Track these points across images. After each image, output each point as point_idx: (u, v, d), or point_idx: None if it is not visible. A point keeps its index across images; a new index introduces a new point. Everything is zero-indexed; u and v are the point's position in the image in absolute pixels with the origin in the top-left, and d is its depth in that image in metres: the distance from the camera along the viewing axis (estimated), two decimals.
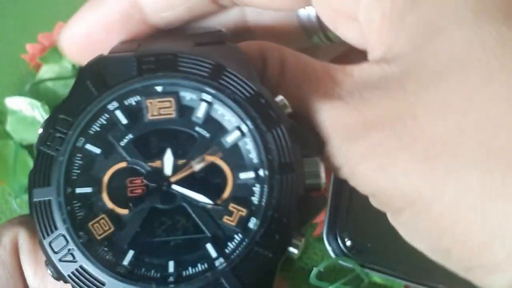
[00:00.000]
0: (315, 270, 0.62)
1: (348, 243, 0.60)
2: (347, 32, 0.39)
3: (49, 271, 0.36)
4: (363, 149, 0.34)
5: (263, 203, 0.36)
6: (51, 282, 0.39)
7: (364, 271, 0.62)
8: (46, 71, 0.71)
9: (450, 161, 0.32)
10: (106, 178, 0.37)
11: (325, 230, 0.62)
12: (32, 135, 0.69)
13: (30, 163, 0.69)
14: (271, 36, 0.42)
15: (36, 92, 0.70)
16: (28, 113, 0.69)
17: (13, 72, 0.74)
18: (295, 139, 0.36)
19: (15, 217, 0.40)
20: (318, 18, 0.41)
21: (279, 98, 0.37)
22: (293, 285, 0.64)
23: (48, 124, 0.37)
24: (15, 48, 0.75)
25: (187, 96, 0.38)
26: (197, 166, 0.37)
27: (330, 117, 0.36)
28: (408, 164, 0.33)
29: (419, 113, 0.33)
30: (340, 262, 0.61)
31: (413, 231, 0.36)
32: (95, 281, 0.35)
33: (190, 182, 0.37)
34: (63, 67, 0.72)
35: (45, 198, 0.36)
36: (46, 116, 0.68)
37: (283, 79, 0.38)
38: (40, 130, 0.38)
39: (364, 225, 0.60)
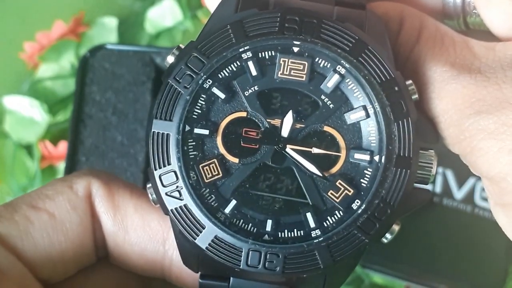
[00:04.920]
0: None
1: None
2: (496, 11, 0.38)
3: (150, 197, 0.37)
4: (493, 126, 0.34)
5: (372, 190, 0.36)
6: (131, 225, 0.39)
7: (364, 272, 0.61)
8: (45, 70, 0.71)
9: None
10: (223, 124, 0.38)
11: None
12: (31, 135, 0.68)
13: (29, 163, 0.69)
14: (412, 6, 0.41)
15: (35, 91, 0.70)
16: (27, 112, 0.68)
17: (11, 71, 0.74)
18: (417, 132, 0.37)
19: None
20: (463, 3, 0.41)
21: (409, 82, 0.37)
22: None
23: (181, 58, 0.38)
24: (13, 47, 0.74)
25: (322, 63, 0.38)
26: (316, 150, 0.38)
27: (462, 88, 0.35)
28: None
29: None
30: None
31: None
32: (196, 222, 0.37)
33: (304, 146, 0.38)
34: (62, 66, 0.71)
35: (165, 132, 0.37)
36: (45, 116, 0.68)
37: (418, 46, 0.37)
38: (171, 59, 0.38)
39: None
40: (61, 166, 0.68)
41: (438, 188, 0.61)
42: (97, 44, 0.67)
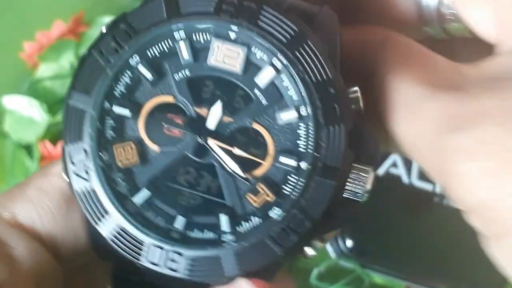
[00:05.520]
0: (315, 271, 0.61)
1: (349, 243, 0.60)
2: (477, 16, 0.33)
3: (63, 175, 0.34)
4: (470, 143, 0.28)
5: (292, 198, 0.33)
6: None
7: (364, 272, 0.61)
8: (45, 69, 0.71)
9: None
10: (148, 106, 0.35)
11: None
12: (30, 135, 0.68)
13: (28, 163, 0.69)
14: (384, 17, 0.38)
15: (34, 91, 0.70)
16: (26, 112, 0.68)
17: (10, 71, 0.74)
18: (352, 142, 0.33)
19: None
20: (438, 8, 0.37)
21: (354, 89, 0.34)
22: None
23: (109, 29, 0.35)
24: (13, 46, 0.74)
25: (258, 54, 0.35)
26: (238, 151, 0.35)
27: (438, 107, 0.30)
28: None
29: None
30: (341, 262, 0.61)
31: None
32: (100, 207, 0.34)
33: (228, 143, 0.35)
34: (61, 66, 0.71)
35: (81, 105, 0.34)
36: (44, 116, 0.68)
37: (387, 62, 0.34)
38: (104, 29, 0.35)
39: (365, 226, 0.60)
40: None
41: (438, 188, 0.61)
42: None
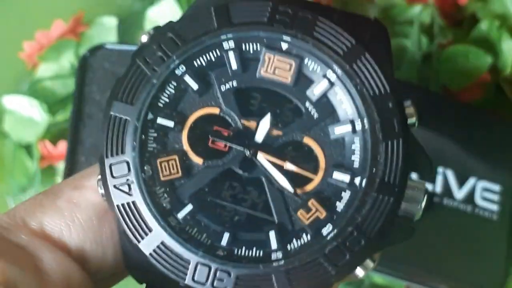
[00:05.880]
0: None
1: None
2: None
3: (99, 189, 0.33)
4: None
5: (347, 215, 0.32)
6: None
7: None
8: (45, 69, 0.71)
9: None
10: (192, 117, 0.34)
11: None
12: (30, 135, 0.68)
13: (28, 163, 0.69)
14: None
15: (34, 91, 0.70)
16: (26, 112, 0.68)
17: (10, 71, 0.74)
18: (408, 158, 0.32)
19: None
20: None
21: (408, 102, 0.33)
22: None
23: (155, 38, 0.34)
24: (13, 46, 0.74)
25: (311, 66, 0.34)
26: (289, 166, 0.33)
27: None
28: None
29: None
30: None
31: None
32: (143, 224, 0.32)
33: (278, 158, 0.34)
34: (61, 65, 0.71)
35: (124, 116, 0.33)
36: (44, 116, 0.68)
37: None
38: (145, 38, 0.34)
39: None
40: (60, 166, 0.67)
41: (438, 188, 0.61)
42: (96, 44, 0.67)
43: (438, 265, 0.60)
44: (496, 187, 0.61)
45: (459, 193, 0.61)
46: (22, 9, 0.77)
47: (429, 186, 0.60)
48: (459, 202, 0.61)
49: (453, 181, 0.61)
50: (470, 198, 0.61)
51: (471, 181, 0.61)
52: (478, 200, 0.61)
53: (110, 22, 0.73)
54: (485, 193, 0.61)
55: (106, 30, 0.73)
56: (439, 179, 0.61)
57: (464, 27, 0.67)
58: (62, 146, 0.67)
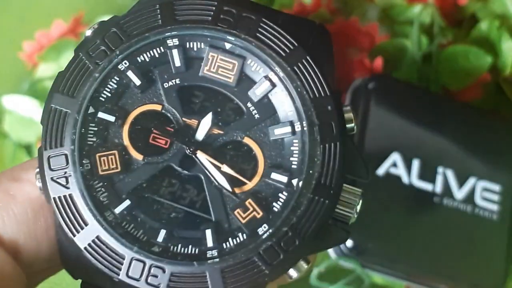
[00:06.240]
0: (315, 271, 0.61)
1: (349, 243, 0.60)
2: None
3: (37, 182, 0.33)
4: None
5: (282, 215, 0.32)
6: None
7: (365, 272, 0.61)
8: (44, 69, 0.71)
9: None
10: (134, 113, 0.34)
11: None
12: (30, 135, 0.68)
13: None
14: None
15: (34, 91, 0.70)
16: (26, 112, 0.68)
17: (10, 71, 0.74)
18: (344, 161, 0.33)
19: None
20: None
21: (347, 107, 0.33)
22: (293, 286, 0.64)
23: (99, 32, 0.34)
24: (12, 46, 0.74)
25: (254, 66, 0.34)
26: (226, 169, 0.33)
27: None
28: None
29: None
30: (341, 262, 0.61)
31: None
32: (79, 217, 0.32)
33: (217, 157, 0.34)
34: (61, 65, 0.71)
35: (64, 109, 0.33)
36: None
37: None
38: (89, 32, 0.34)
39: (365, 225, 0.60)
40: None
41: (438, 188, 0.61)
42: None
43: (438, 265, 0.60)
44: (496, 187, 0.61)
45: (459, 193, 0.61)
46: (22, 9, 0.77)
47: (429, 186, 0.60)
48: (459, 202, 0.61)
49: (453, 181, 0.61)
50: (470, 198, 0.61)
51: (471, 181, 0.61)
52: (478, 200, 0.61)
53: None
54: (485, 193, 0.61)
55: None
56: (439, 179, 0.61)
57: (464, 27, 0.67)
58: None
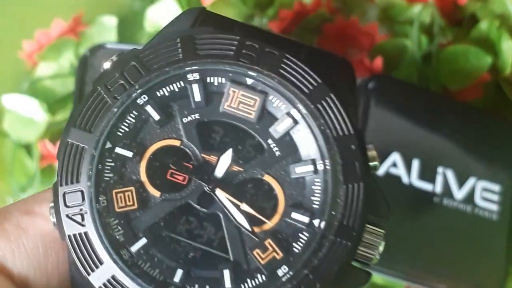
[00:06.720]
0: None
1: None
2: None
3: (51, 217, 0.32)
4: None
5: (303, 257, 0.31)
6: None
7: None
8: (44, 69, 0.71)
9: None
10: (152, 148, 0.33)
11: None
12: (30, 134, 0.68)
13: (28, 162, 0.69)
14: None
15: (34, 90, 0.70)
16: (26, 111, 0.68)
17: (10, 70, 0.74)
18: (368, 202, 0.32)
19: None
20: None
21: (370, 146, 0.33)
22: None
23: (117, 65, 0.33)
24: (12, 46, 0.74)
25: (276, 102, 0.33)
26: (245, 207, 0.32)
27: None
28: None
29: None
30: None
31: None
32: (94, 256, 0.32)
33: (236, 195, 0.33)
34: (61, 65, 0.71)
35: (80, 144, 0.32)
36: (44, 115, 0.68)
37: None
38: (107, 65, 0.33)
39: None
40: None
41: (438, 188, 0.61)
42: (96, 43, 0.67)
43: (438, 265, 0.60)
44: (496, 187, 0.61)
45: (459, 193, 0.61)
46: (22, 8, 0.77)
47: (429, 186, 0.60)
48: (459, 202, 0.61)
49: (453, 181, 0.61)
50: (470, 198, 0.61)
51: (471, 181, 0.61)
52: (478, 200, 0.61)
53: (110, 22, 0.73)
54: (485, 193, 0.61)
55: (106, 30, 0.73)
56: (439, 179, 0.61)
57: (464, 27, 0.67)
58: None
